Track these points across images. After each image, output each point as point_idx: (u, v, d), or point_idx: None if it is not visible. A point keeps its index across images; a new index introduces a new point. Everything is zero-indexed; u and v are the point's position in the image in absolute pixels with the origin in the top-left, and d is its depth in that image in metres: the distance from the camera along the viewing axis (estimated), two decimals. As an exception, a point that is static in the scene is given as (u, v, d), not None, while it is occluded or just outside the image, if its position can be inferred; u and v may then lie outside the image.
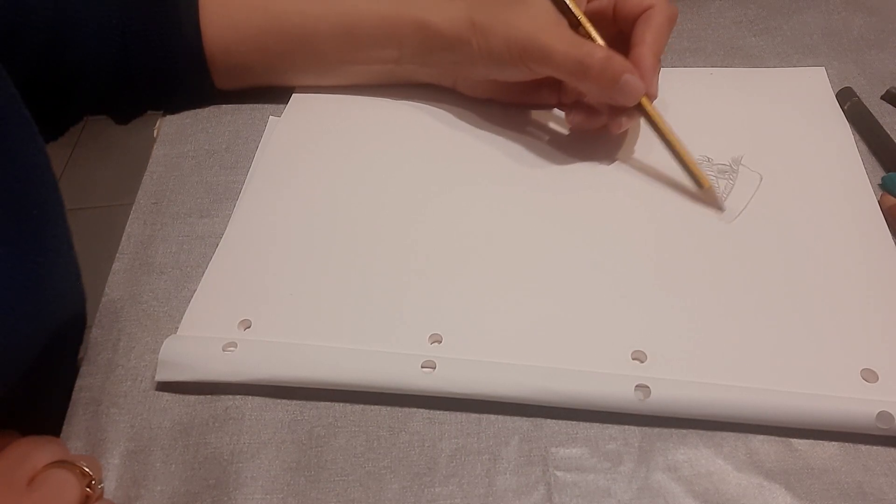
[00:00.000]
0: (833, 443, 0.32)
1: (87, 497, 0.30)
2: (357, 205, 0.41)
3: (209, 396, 0.34)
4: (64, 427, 0.34)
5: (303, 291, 0.37)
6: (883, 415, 0.31)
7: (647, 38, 0.39)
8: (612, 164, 0.43)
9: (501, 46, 0.39)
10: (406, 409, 0.34)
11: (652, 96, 0.40)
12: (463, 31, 0.41)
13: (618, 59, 0.38)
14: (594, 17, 0.41)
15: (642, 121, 0.44)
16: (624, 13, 0.41)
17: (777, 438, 0.32)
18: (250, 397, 0.34)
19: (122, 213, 0.42)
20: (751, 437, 0.32)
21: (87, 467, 0.31)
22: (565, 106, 0.45)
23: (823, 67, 0.48)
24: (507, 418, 0.33)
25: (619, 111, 0.40)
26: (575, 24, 0.40)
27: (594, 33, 0.40)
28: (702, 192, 0.40)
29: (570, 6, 0.40)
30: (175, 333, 0.36)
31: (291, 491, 0.32)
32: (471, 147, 0.44)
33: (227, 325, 0.36)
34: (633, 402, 0.32)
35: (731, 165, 0.42)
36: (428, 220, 0.40)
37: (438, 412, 0.34)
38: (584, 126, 0.42)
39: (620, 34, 0.41)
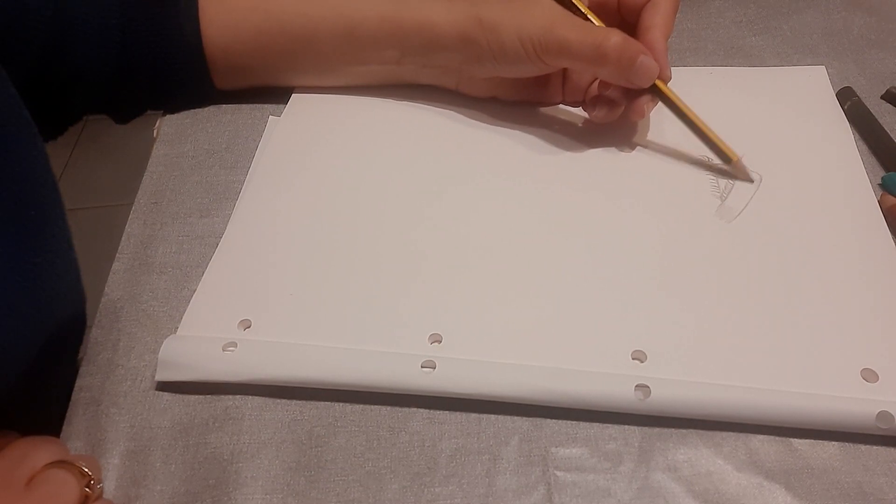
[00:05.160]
0: (833, 443, 0.32)
1: (87, 497, 0.30)
2: (357, 204, 0.41)
3: (209, 396, 0.34)
4: (64, 427, 0.34)
5: (303, 291, 0.37)
6: (883, 415, 0.31)
7: (656, 22, 0.41)
8: (612, 165, 0.43)
9: (514, 43, 0.40)
10: (406, 409, 0.34)
11: (666, 78, 0.41)
12: (469, 30, 0.41)
13: (633, 42, 0.39)
14: (597, 10, 0.41)
15: (642, 121, 0.44)
16: (630, 2, 0.42)
17: (777, 438, 0.32)
18: (250, 397, 0.34)
19: (122, 213, 0.42)
20: (751, 437, 0.32)
21: (87, 467, 0.31)
22: (577, 102, 0.46)
23: (824, 66, 0.48)
24: (507, 418, 0.33)
25: (635, 97, 0.41)
26: (582, 18, 0.41)
27: (600, 24, 0.41)
28: (730, 167, 0.41)
29: (575, 2, 0.41)
30: (175, 333, 0.36)
31: (291, 491, 0.32)
32: (471, 146, 0.44)
33: (227, 325, 0.36)
34: (633, 402, 0.32)
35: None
36: (427, 219, 0.40)
37: (438, 412, 0.34)
38: (606, 119, 0.42)
39: (623, 23, 0.42)
